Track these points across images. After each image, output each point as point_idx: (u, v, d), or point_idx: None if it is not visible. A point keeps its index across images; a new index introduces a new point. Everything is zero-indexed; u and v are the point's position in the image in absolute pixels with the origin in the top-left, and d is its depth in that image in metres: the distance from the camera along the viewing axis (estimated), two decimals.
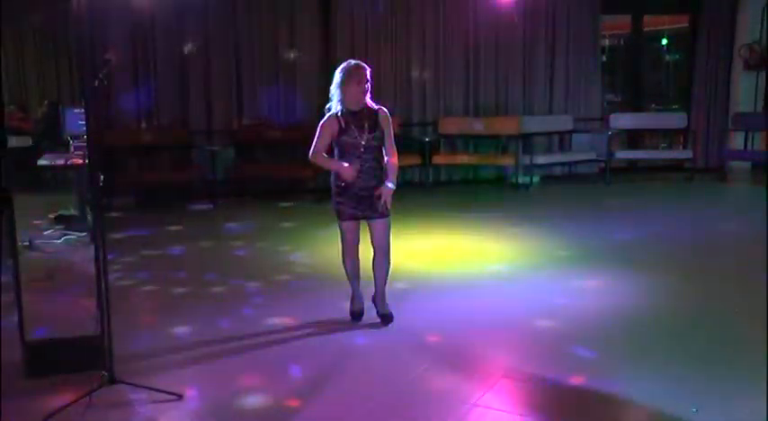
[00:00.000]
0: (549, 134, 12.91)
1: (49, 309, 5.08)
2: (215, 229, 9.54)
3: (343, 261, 5.73)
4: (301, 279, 7.20)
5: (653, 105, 15.12)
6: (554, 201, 11.56)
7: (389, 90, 12.11)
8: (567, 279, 7.05)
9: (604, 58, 14.22)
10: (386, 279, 5.71)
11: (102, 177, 4.59)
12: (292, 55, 11.92)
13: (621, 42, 15.53)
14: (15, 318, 4.86)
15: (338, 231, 5.63)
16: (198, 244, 8.77)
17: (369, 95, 5.42)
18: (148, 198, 11.30)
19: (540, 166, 12.50)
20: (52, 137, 7.47)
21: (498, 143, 12.74)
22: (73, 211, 8.14)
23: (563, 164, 13.06)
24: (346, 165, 5.35)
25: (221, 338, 5.58)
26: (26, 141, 8.05)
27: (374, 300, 5.77)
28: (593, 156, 12.84)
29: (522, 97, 12.95)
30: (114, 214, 9.91)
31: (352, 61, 5.43)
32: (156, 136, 11.46)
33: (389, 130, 5.48)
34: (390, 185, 5.44)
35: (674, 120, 13.58)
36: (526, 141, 12.17)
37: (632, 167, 13.71)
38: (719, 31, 13.44)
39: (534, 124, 12.50)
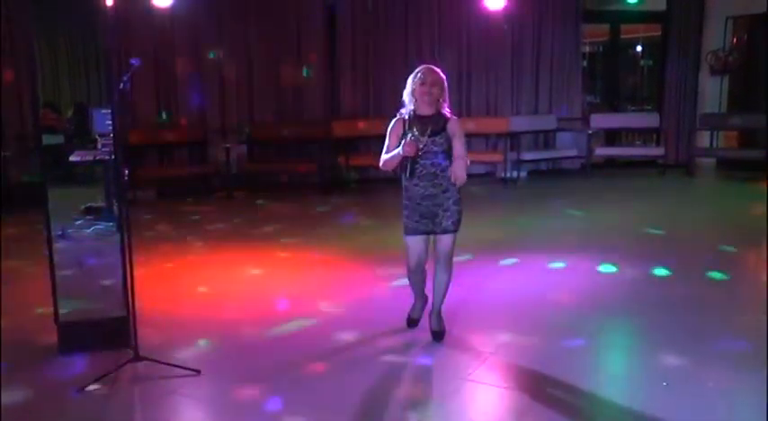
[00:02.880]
0: (535, 133, 12.88)
1: (81, 292, 5.08)
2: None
3: (408, 275, 5.11)
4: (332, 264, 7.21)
5: (629, 106, 15.12)
6: (539, 193, 11.57)
7: (388, 93, 12.07)
8: (544, 263, 7.09)
9: (585, 64, 14.20)
10: (444, 295, 5.07)
11: (126, 172, 4.60)
12: (300, 59, 11.88)
13: (600, 49, 15.51)
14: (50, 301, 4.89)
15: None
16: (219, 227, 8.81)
17: (446, 104, 4.87)
18: (168, 191, 11.29)
19: (527, 162, 12.54)
20: (82, 135, 7.45)
21: (488, 141, 12.73)
22: (101, 203, 8.14)
23: (548, 160, 13.06)
24: (406, 142, 4.69)
25: (237, 319, 5.60)
26: (59, 139, 8.03)
27: (429, 314, 5.16)
28: (575, 152, 12.84)
29: (510, 99, 12.91)
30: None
31: (424, 65, 4.91)
32: (175, 134, 11.46)
33: (460, 139, 4.78)
34: (458, 165, 4.70)
35: (648, 119, 13.55)
36: (514, 139, 12.17)
37: (610, 163, 13.71)
38: (688, 39, 13.42)
39: (521, 124, 12.47)
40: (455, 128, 4.80)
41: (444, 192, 4.81)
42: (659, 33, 13.99)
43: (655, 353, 4.79)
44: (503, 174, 12.26)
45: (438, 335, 5.08)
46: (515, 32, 12.66)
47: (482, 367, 4.59)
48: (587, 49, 14.83)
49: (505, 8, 11.43)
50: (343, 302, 5.95)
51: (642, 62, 16.27)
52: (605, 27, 14.15)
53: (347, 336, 5.18)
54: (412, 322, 5.29)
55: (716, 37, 13.12)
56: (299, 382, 4.41)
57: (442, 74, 4.87)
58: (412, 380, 4.50)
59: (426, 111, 4.81)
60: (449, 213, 4.84)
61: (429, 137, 4.74)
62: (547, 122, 12.84)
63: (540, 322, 5.44)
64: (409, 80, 4.86)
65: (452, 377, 4.45)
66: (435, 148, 4.76)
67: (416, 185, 4.82)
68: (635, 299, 6.00)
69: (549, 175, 12.96)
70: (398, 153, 4.75)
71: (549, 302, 5.91)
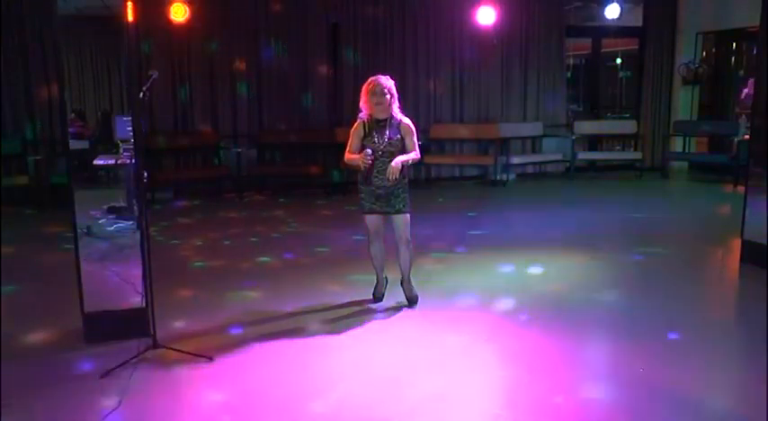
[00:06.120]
0: (523, 138, 12.88)
1: (104, 284, 5.08)
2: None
3: (368, 248, 5.60)
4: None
5: (608, 114, 15.11)
6: (526, 194, 11.58)
7: None
8: (527, 256, 7.12)
9: (569, 75, 14.19)
10: (409, 266, 5.56)
11: (145, 174, 4.60)
12: (306, 70, 11.87)
13: (583, 61, 15.50)
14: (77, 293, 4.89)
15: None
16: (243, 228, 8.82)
17: (396, 105, 5.28)
18: (184, 192, 11.28)
19: (516, 166, 12.54)
20: (105, 141, 7.45)
21: (480, 146, 12.73)
22: (122, 203, 8.13)
23: (535, 163, 13.04)
24: (358, 155, 5.22)
25: (248, 309, 5.59)
26: (85, 145, 8.02)
27: (402, 285, 5.64)
28: (559, 156, 12.87)
29: (500, 107, 12.91)
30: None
31: (371, 78, 5.28)
32: (190, 139, 11.42)
33: (411, 137, 5.31)
34: (394, 162, 5.18)
35: (626, 126, 13.58)
36: (503, 144, 12.17)
37: (592, 166, 13.70)
38: (662, 52, 13.46)
39: (510, 130, 12.47)
40: (406, 129, 5.33)
41: (396, 182, 5.27)
42: (636, 47, 14.02)
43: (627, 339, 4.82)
44: (493, 177, 12.26)
45: (411, 301, 5.61)
46: (505, 46, 12.67)
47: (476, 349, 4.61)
48: (571, 61, 14.82)
49: (496, 23, 11.43)
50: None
51: (621, 73, 16.27)
52: (587, 41, 14.18)
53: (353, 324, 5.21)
54: (377, 297, 5.70)
55: (687, 51, 13.17)
56: (303, 363, 4.42)
57: (389, 82, 5.28)
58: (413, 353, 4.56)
59: (380, 115, 5.26)
60: (400, 199, 5.37)
61: (387, 140, 5.25)
62: (534, 129, 12.85)
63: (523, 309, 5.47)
64: (363, 90, 5.27)
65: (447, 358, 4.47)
66: (392, 149, 5.27)
67: (376, 177, 5.30)
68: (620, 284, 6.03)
69: (536, 178, 12.96)
70: (357, 161, 5.24)
71: (538, 289, 5.94)
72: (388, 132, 5.26)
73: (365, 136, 5.28)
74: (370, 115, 5.27)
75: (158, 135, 11.02)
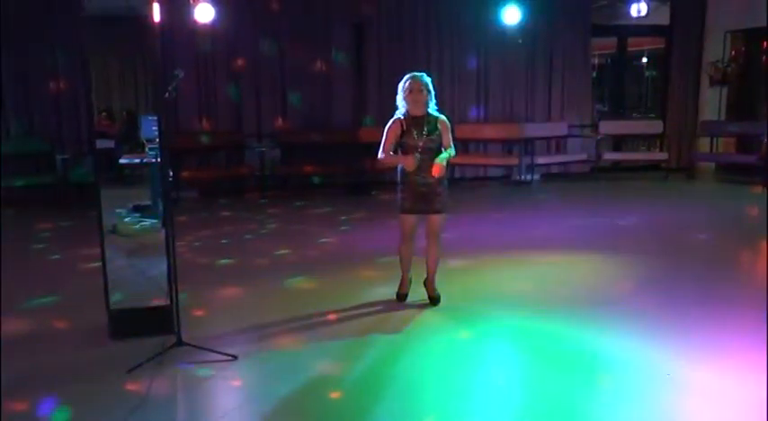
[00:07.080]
0: (548, 138, 12.82)
1: (129, 282, 5.11)
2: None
3: (400, 247, 5.56)
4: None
5: (634, 114, 15.00)
6: (551, 195, 11.51)
7: None
8: (553, 256, 7.12)
9: (594, 74, 14.11)
10: (436, 266, 5.56)
11: (170, 173, 4.62)
12: (329, 70, 11.88)
13: (609, 60, 15.40)
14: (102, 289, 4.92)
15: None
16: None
17: (432, 102, 5.28)
18: (208, 191, 11.34)
19: (540, 166, 12.47)
20: (131, 140, 7.53)
21: (504, 146, 12.68)
22: (147, 202, 8.20)
23: (559, 163, 12.98)
24: (408, 157, 5.20)
25: (274, 308, 5.60)
26: (111, 144, 8.10)
27: (425, 284, 5.63)
28: (584, 157, 12.78)
29: (525, 107, 12.88)
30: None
31: (410, 74, 5.28)
32: (214, 138, 11.46)
33: (447, 133, 5.30)
34: (438, 161, 5.16)
35: (652, 126, 13.43)
36: (528, 144, 12.12)
37: (617, 167, 13.61)
38: (689, 52, 13.34)
39: (535, 130, 12.42)
40: (443, 125, 5.31)
41: (438, 180, 5.26)
42: (663, 46, 13.90)
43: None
44: (518, 177, 12.21)
45: (434, 300, 5.56)
46: (530, 45, 12.62)
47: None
48: (596, 60, 14.74)
49: (521, 22, 11.39)
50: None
51: (647, 73, 16.15)
52: (613, 40, 14.09)
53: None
54: (401, 297, 5.64)
55: (715, 49, 13.03)
56: (327, 362, 4.42)
57: (427, 79, 5.29)
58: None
59: (418, 112, 5.24)
60: (440, 197, 5.34)
61: (426, 136, 5.22)
62: (558, 129, 12.77)
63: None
64: (400, 87, 5.29)
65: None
66: (431, 145, 5.24)
67: (417, 175, 5.25)
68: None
69: (561, 178, 12.89)
70: (400, 162, 5.26)
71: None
72: (426, 129, 5.23)
73: (403, 134, 5.23)
74: (407, 112, 5.25)
75: (183, 134, 11.07)
